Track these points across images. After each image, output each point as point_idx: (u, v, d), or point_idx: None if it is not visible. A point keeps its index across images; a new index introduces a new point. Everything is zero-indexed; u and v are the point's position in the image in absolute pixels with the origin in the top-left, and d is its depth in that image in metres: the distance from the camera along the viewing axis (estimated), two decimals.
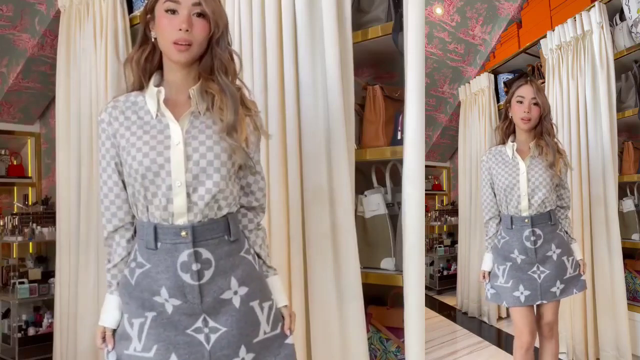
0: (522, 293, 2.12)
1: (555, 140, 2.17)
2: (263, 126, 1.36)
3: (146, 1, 1.27)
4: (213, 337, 1.21)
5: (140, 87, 1.29)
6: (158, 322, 1.21)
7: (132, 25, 2.74)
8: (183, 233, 1.20)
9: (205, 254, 1.21)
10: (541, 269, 2.13)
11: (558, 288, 2.14)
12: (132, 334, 1.22)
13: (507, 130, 2.20)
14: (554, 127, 2.16)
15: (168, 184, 1.19)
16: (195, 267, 1.19)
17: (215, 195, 1.21)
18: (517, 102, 2.11)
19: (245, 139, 1.26)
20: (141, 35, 1.28)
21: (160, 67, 1.29)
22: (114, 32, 2.65)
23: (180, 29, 1.19)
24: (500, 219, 2.22)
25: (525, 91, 2.10)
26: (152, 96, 1.25)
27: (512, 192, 2.12)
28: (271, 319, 1.29)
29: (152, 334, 1.21)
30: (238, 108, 1.24)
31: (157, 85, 1.26)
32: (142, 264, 1.23)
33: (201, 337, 1.21)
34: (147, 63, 1.28)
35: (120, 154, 1.24)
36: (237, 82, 1.30)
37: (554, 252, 2.13)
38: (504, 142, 2.21)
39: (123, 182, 1.27)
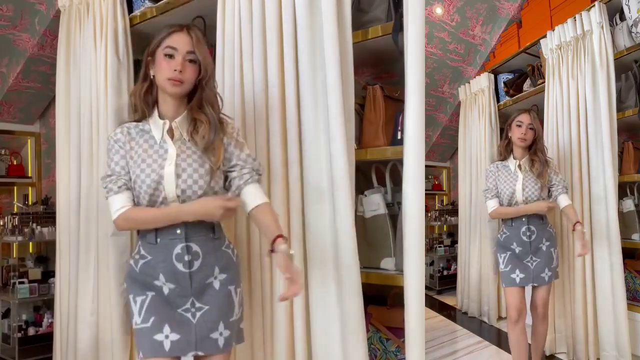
0: (517, 276, 2.63)
1: (548, 158, 2.71)
2: (238, 134, 1.66)
3: (149, 46, 1.59)
4: (198, 314, 1.54)
5: (144, 116, 1.60)
6: (156, 299, 1.53)
7: (132, 25, 2.74)
8: (178, 231, 1.53)
9: (195, 247, 1.54)
10: (534, 258, 2.65)
11: (546, 274, 2.66)
12: (135, 310, 1.54)
13: (507, 148, 2.75)
14: (545, 148, 2.73)
15: (164, 195, 1.52)
16: (187, 257, 1.53)
17: None
18: (517, 125, 2.67)
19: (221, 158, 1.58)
20: (143, 72, 1.60)
21: (156, 101, 1.60)
22: (114, 32, 2.65)
23: (175, 70, 1.51)
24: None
25: (523, 118, 2.66)
26: (157, 126, 1.58)
27: (512, 197, 2.65)
28: (239, 304, 1.62)
29: (150, 309, 1.52)
30: (218, 133, 1.57)
31: (160, 117, 1.58)
32: (144, 256, 1.56)
33: (189, 315, 1.54)
34: (147, 95, 1.59)
35: (131, 165, 1.56)
36: (221, 115, 1.62)
37: (544, 244, 2.67)
38: (505, 158, 2.75)
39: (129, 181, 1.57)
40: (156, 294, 1.53)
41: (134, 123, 1.61)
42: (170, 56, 1.53)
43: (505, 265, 2.67)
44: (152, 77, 1.57)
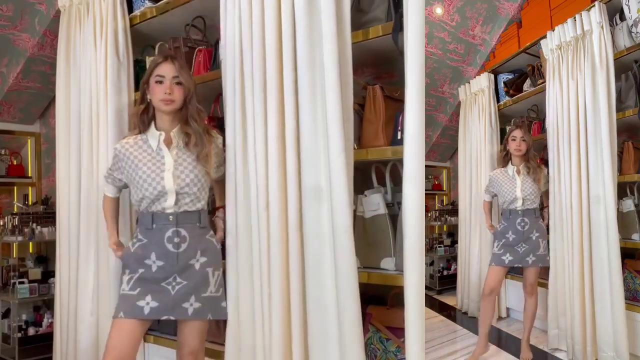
0: (507, 258, 3.26)
1: (542, 167, 3.37)
2: (220, 145, 2.07)
3: (146, 74, 1.97)
4: (177, 287, 1.91)
5: (140, 131, 2.00)
6: (144, 275, 1.90)
7: (132, 25, 2.74)
8: (170, 218, 1.91)
9: (183, 232, 1.92)
10: (524, 246, 3.24)
11: (530, 258, 3.25)
12: (124, 280, 1.93)
13: (505, 157, 3.38)
14: (535, 155, 3.34)
15: (164, 191, 1.90)
16: (176, 240, 1.91)
17: (192, 199, 1.94)
18: (512, 139, 3.29)
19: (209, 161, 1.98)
20: (140, 97, 1.99)
21: (154, 118, 1.99)
22: (114, 32, 2.65)
23: (165, 93, 1.90)
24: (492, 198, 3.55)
25: (516, 133, 3.27)
26: (154, 137, 1.97)
27: (512, 197, 3.25)
28: (217, 283, 1.99)
29: (138, 282, 1.91)
30: (204, 142, 1.95)
31: (157, 129, 1.98)
32: (141, 239, 1.94)
33: (169, 287, 1.91)
34: (143, 115, 1.98)
35: (129, 171, 1.96)
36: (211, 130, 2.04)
37: (534, 235, 3.26)
38: (504, 166, 3.37)
39: (118, 185, 2.10)
40: (145, 271, 1.90)
41: (134, 136, 2.01)
42: (161, 82, 1.91)
43: (498, 249, 3.29)
44: (149, 100, 1.95)
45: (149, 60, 2.72)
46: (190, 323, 1.94)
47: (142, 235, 1.93)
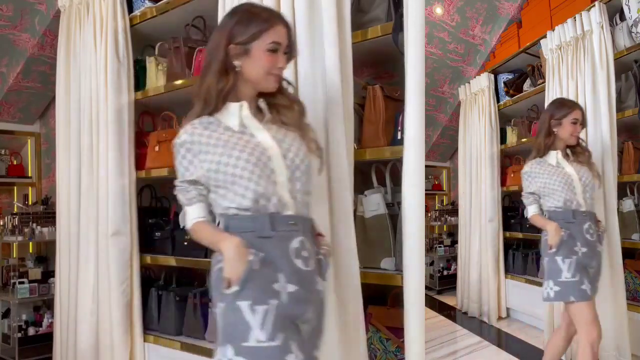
0: (587, 287, 2.18)
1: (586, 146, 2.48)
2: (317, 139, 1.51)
3: (234, 33, 1.37)
4: (304, 327, 1.32)
5: (213, 111, 1.39)
6: (280, 310, 1.25)
7: (132, 25, 2.74)
8: (292, 222, 1.31)
9: (307, 243, 1.34)
10: (592, 263, 2.27)
11: (598, 283, 2.30)
12: (253, 322, 1.22)
13: (551, 144, 2.39)
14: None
15: (273, 180, 1.31)
16: (304, 253, 1.31)
17: (303, 194, 1.37)
18: (572, 122, 2.35)
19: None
20: (221, 65, 1.37)
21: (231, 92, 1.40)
22: (114, 32, 2.65)
23: (280, 67, 1.39)
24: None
25: (579, 114, 2.37)
26: (232, 113, 1.39)
27: (570, 188, 2.29)
28: None
29: (277, 323, 1.23)
30: (305, 114, 1.46)
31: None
32: (256, 253, 1.28)
33: (304, 327, 1.32)
34: (228, 91, 1.38)
35: (212, 163, 1.32)
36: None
37: (600, 248, 2.33)
38: (542, 155, 2.40)
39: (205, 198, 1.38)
40: (279, 303, 1.26)
41: (197, 119, 1.39)
42: (275, 51, 1.38)
43: (572, 274, 2.18)
44: (237, 69, 1.38)
45: (149, 60, 2.73)
46: None
47: (254, 247, 1.28)
